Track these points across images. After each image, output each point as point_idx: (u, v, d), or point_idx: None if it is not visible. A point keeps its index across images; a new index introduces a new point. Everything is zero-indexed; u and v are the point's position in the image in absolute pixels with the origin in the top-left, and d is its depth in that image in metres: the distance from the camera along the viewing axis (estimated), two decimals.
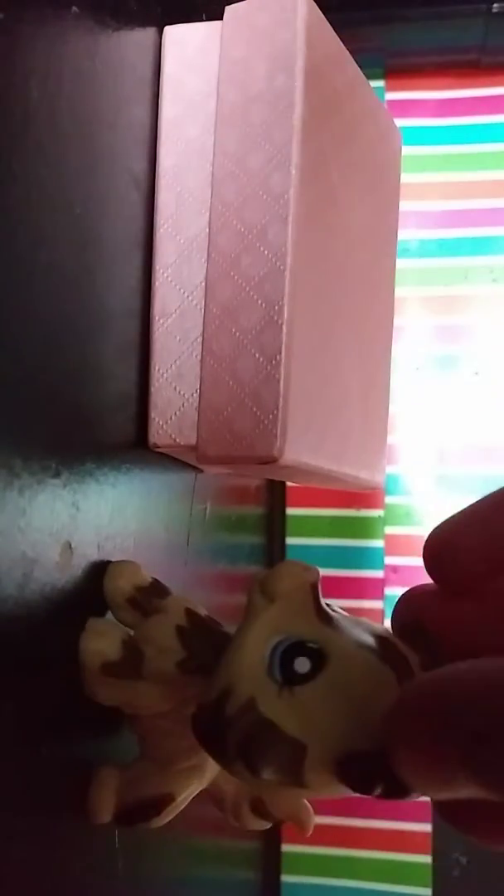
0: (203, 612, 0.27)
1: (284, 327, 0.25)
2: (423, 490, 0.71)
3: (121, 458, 0.28)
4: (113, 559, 0.28)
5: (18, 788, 0.22)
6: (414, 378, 0.71)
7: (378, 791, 0.19)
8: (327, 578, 0.70)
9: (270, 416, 0.25)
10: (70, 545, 0.25)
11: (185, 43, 0.29)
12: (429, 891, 0.67)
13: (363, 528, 0.71)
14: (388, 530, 0.71)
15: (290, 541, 0.72)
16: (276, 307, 0.25)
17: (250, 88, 0.26)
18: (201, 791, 0.27)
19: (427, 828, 0.67)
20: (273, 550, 0.70)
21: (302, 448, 0.26)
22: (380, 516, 0.71)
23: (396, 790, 0.19)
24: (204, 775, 0.27)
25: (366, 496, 0.71)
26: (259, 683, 0.21)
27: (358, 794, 0.20)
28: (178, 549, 0.36)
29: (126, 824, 0.26)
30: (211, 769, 0.27)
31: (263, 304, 0.25)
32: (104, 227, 0.26)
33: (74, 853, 0.26)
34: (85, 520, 0.26)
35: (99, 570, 0.27)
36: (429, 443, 0.71)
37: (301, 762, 0.20)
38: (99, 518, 0.27)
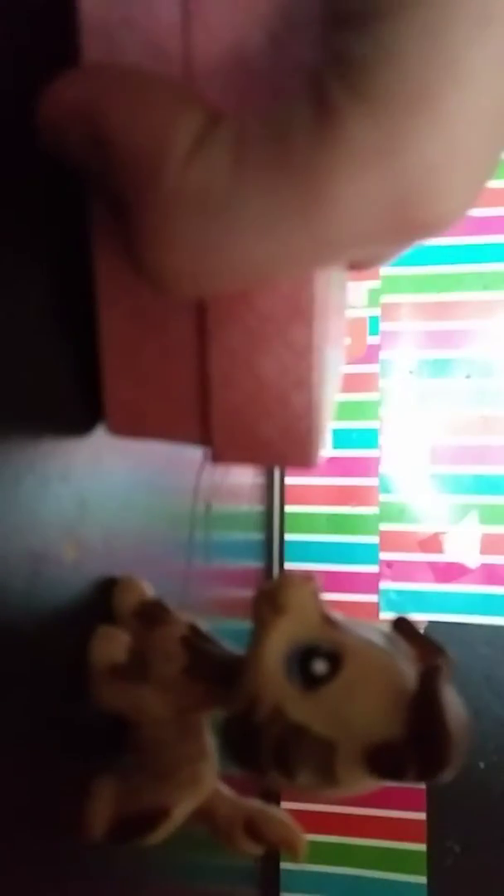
0: (205, 627, 0.27)
1: (314, 323, 0.21)
2: (416, 489, 0.72)
3: (126, 458, 0.29)
4: (120, 555, 0.28)
5: (19, 780, 0.22)
6: (408, 381, 0.73)
7: (410, 777, 0.20)
8: (324, 573, 0.71)
9: (304, 424, 0.22)
10: (78, 541, 0.25)
11: None
12: (423, 878, 0.68)
13: (358, 525, 0.72)
14: (383, 527, 0.72)
15: (288, 537, 0.73)
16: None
17: None
18: (194, 812, 0.27)
19: (422, 816, 0.68)
20: (272, 546, 0.71)
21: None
22: (374, 514, 0.72)
23: (426, 773, 0.19)
24: (200, 789, 0.26)
25: (362, 494, 0.72)
26: (282, 690, 0.21)
27: (390, 784, 0.21)
28: (181, 544, 0.37)
29: (120, 840, 0.26)
30: (207, 783, 0.27)
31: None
32: None
33: (71, 853, 0.26)
34: (92, 517, 0.26)
35: (106, 566, 0.27)
36: (421, 443, 0.72)
37: (333, 761, 0.21)
38: (106, 515, 0.27)
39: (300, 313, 0.20)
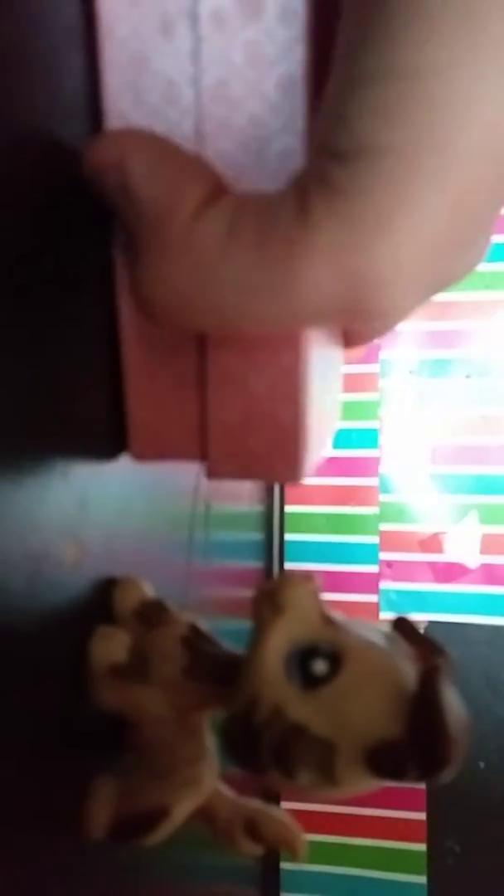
0: (205, 627, 0.27)
1: (302, 346, 0.22)
2: (416, 489, 0.72)
3: (126, 458, 0.29)
4: (120, 556, 0.28)
5: (19, 780, 0.22)
6: (408, 381, 0.73)
7: (410, 777, 0.20)
8: (324, 573, 0.71)
9: (291, 438, 0.23)
10: (78, 542, 0.25)
11: None
12: (423, 878, 0.68)
13: (358, 525, 0.72)
14: (383, 527, 0.72)
15: (288, 537, 0.73)
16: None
17: None
18: (194, 812, 0.27)
19: (422, 816, 0.68)
20: (272, 546, 0.71)
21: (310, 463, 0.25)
22: (374, 514, 0.72)
23: (426, 773, 0.19)
24: (200, 789, 0.26)
25: (362, 495, 0.72)
26: (282, 690, 0.21)
27: (390, 784, 0.21)
28: (182, 545, 0.37)
29: (120, 840, 0.26)
30: (207, 783, 0.27)
31: None
32: None
33: (71, 858, 0.26)
34: (92, 518, 0.26)
35: (107, 566, 0.27)
36: (421, 443, 0.72)
37: (333, 760, 0.20)
38: (106, 516, 0.27)
39: (290, 338, 0.22)
